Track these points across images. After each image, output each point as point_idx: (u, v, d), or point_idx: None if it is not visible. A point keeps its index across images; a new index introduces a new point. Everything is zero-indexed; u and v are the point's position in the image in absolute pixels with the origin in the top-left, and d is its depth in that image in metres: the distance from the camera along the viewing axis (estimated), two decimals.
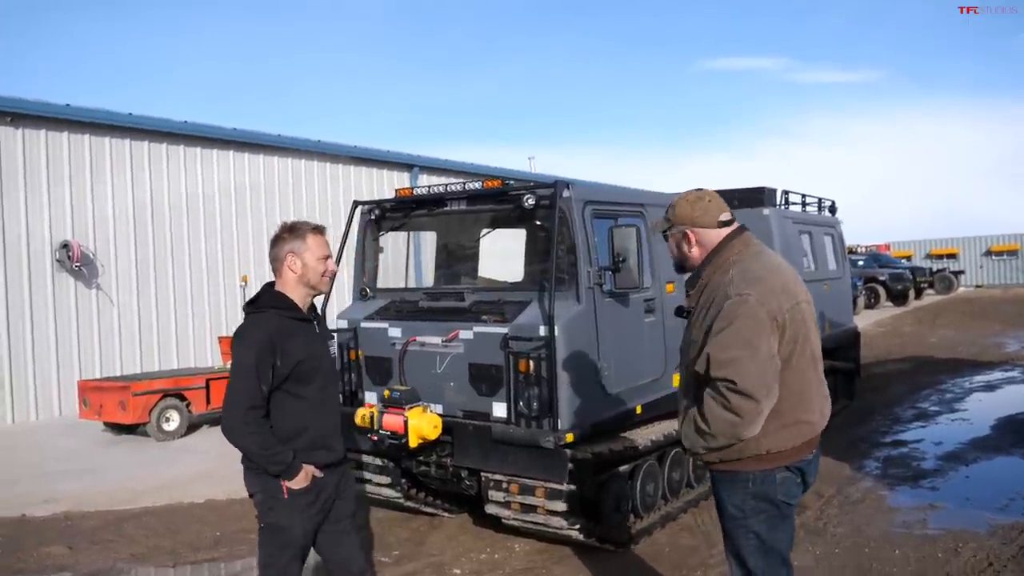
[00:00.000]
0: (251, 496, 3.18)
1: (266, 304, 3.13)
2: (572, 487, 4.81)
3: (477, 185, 5.39)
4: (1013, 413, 9.35)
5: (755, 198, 8.16)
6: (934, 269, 36.72)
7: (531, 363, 4.89)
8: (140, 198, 13.14)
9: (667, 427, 5.81)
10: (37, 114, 11.84)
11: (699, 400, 2.83)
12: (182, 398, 9.90)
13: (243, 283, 14.11)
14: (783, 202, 8.86)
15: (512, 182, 5.29)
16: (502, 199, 5.40)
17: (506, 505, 5.10)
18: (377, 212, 6.06)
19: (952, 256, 41.88)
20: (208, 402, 10.13)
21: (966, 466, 7.14)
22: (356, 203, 6.14)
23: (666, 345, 5.83)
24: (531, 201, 5.12)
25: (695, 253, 2.97)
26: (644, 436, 5.51)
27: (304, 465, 3.08)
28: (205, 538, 5.94)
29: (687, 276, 3.10)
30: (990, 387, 11.53)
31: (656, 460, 5.76)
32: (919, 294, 29.52)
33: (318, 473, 3.13)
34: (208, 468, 8.05)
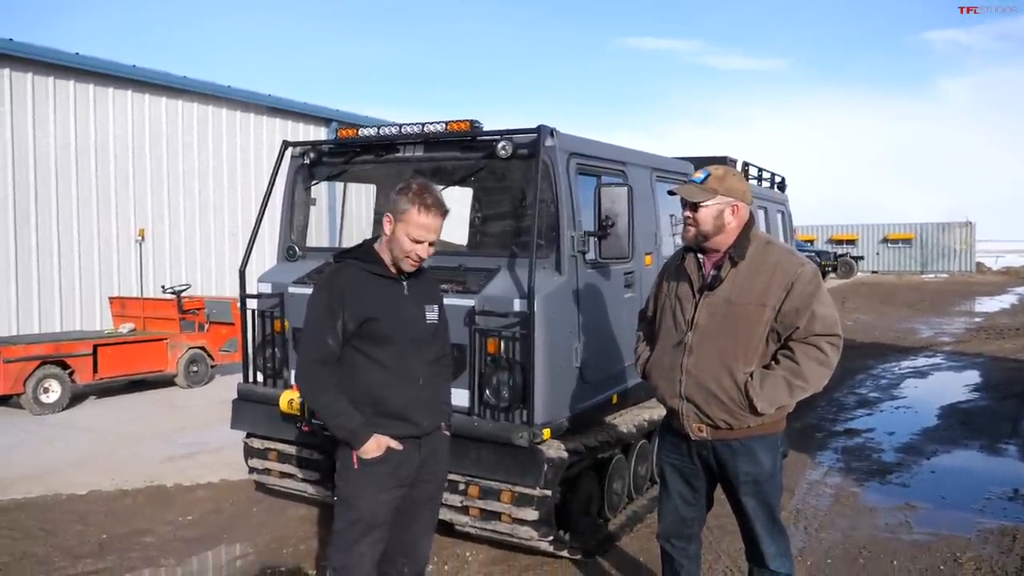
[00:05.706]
0: None
1: (350, 255, 2.97)
2: (547, 492, 4.05)
3: (439, 127, 4.49)
4: (954, 402, 9.39)
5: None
6: (837, 254, 38.15)
7: (503, 343, 4.10)
8: (21, 138, 11.47)
9: (638, 416, 5.16)
10: None
11: (766, 359, 2.92)
12: (64, 366, 8.61)
13: (140, 237, 12.65)
14: (744, 174, 8.37)
15: (481, 125, 4.40)
16: (469, 146, 4.53)
17: (463, 510, 4.30)
18: (312, 156, 5.08)
19: (852, 242, 43.48)
20: (95, 371, 8.86)
21: (927, 460, 6.94)
22: (287, 144, 5.14)
23: None
24: (507, 149, 4.28)
25: (733, 226, 3.00)
26: (622, 429, 4.83)
27: (377, 435, 2.84)
28: (88, 542, 4.89)
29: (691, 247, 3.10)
30: (920, 373, 11.61)
31: (623, 453, 5.12)
32: (823, 277, 30.36)
33: (395, 444, 2.87)
34: (94, 450, 6.88)
